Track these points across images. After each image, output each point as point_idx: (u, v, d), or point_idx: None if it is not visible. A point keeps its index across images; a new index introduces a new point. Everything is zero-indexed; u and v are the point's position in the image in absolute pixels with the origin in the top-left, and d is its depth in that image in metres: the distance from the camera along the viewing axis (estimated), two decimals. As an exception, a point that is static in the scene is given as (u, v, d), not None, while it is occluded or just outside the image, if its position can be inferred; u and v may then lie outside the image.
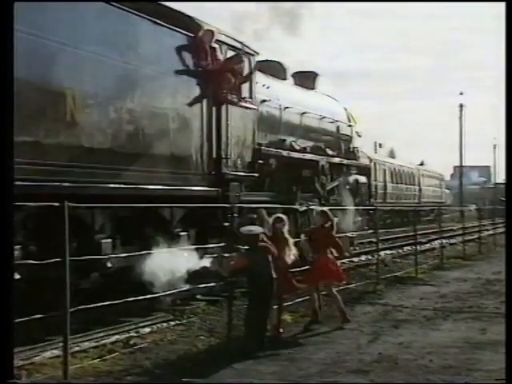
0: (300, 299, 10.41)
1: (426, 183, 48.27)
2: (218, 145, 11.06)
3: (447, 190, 57.53)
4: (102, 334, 8.11)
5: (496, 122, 40.21)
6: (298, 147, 14.62)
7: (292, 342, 8.05)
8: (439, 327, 8.88)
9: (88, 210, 8.02)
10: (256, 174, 12.24)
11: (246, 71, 11.85)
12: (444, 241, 19.18)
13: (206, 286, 9.24)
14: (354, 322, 9.22)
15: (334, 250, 8.78)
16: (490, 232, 27.27)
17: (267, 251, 7.47)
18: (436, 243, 21.29)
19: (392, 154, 55.79)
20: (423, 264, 16.23)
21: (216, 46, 10.82)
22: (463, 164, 50.03)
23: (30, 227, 7.40)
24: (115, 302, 7.12)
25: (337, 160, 16.51)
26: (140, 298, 7.65)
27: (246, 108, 11.89)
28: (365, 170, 18.85)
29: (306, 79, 16.75)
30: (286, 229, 8.32)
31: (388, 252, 19.95)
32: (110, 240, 8.61)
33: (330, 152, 16.15)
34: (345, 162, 17.08)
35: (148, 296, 8.01)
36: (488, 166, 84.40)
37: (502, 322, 9.15)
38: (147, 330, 8.69)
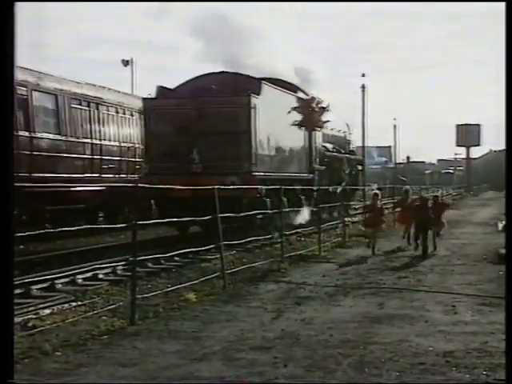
0: (205, 278, 10.49)
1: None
2: (310, 152, 21.26)
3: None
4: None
5: (397, 103, 41.56)
6: (330, 149, 24.09)
7: (196, 320, 8.08)
8: (340, 303, 9.13)
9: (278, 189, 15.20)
10: (323, 167, 22.41)
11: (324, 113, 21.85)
12: (346, 219, 19.79)
13: (109, 266, 9.13)
14: (258, 300, 9.37)
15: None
16: (390, 210, 28.26)
17: (427, 207, 15.51)
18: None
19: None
20: (326, 242, 16.67)
21: (314, 103, 21.01)
22: (365, 144, 51.35)
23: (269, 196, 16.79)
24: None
25: (350, 156, 26.71)
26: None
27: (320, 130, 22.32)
28: (360, 162, 29.78)
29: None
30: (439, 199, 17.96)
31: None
32: (285, 199, 16.28)
33: (342, 151, 25.77)
34: (352, 157, 27.35)
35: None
36: (389, 147, 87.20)
37: (398, 296, 9.60)
38: (47, 311, 8.47)
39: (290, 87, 20.78)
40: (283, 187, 15.12)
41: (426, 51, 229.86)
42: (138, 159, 22.08)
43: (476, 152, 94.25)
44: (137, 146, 22.51)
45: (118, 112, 22.10)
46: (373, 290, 10.10)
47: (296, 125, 20.04)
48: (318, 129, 21.75)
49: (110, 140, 21.50)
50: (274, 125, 18.19)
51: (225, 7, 20.93)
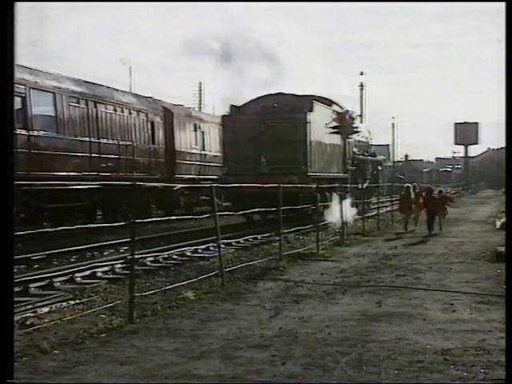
0: (204, 276, 10.49)
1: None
2: (344, 155, 25.89)
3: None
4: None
5: (394, 101, 41.83)
6: (357, 152, 28.52)
7: (194, 318, 8.07)
8: (338, 301, 9.13)
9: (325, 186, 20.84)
10: (354, 168, 27.23)
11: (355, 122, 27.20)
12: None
13: (107, 264, 9.12)
14: (257, 298, 9.37)
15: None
16: (388, 208, 28.32)
17: (433, 198, 20.55)
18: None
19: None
20: (324, 240, 16.68)
21: (347, 115, 25.77)
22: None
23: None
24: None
25: (372, 158, 31.78)
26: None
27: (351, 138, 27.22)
28: (379, 163, 34.26)
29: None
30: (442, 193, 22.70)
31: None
32: (329, 194, 21.22)
33: (366, 154, 30.53)
34: (374, 159, 32.34)
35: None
36: (387, 145, 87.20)
37: (396, 294, 9.60)
38: (45, 309, 8.46)
39: (328, 102, 25.73)
40: (329, 185, 19.49)
41: (425, 49, 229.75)
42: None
43: (474, 150, 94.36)
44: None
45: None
46: (370, 289, 10.11)
47: (335, 133, 24.77)
48: (351, 136, 26.59)
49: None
50: (320, 134, 23.30)
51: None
